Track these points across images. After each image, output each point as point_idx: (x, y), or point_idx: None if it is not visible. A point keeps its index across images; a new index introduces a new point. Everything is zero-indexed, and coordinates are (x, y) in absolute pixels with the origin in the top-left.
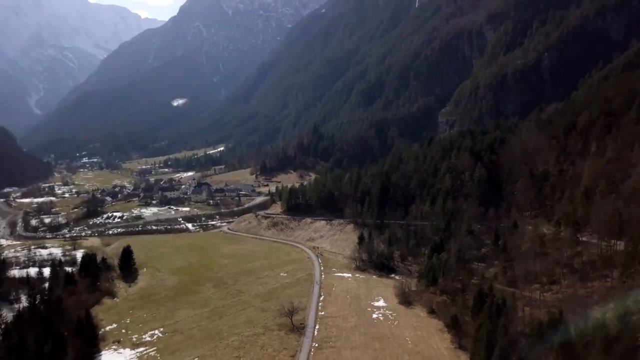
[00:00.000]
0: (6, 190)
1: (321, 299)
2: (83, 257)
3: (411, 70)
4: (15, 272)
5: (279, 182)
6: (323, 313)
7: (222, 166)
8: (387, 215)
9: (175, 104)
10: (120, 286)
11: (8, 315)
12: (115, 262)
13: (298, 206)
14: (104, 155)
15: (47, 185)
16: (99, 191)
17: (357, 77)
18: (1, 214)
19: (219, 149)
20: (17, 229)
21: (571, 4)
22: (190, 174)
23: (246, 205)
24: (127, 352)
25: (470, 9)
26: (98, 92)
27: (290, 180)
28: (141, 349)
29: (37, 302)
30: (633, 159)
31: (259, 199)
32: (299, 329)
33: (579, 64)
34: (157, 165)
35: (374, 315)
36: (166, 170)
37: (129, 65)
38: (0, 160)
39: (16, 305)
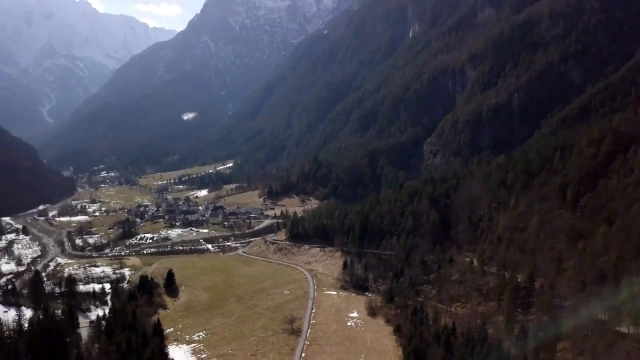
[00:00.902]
0: (41, 207)
1: (313, 311)
2: (140, 278)
3: (402, 102)
4: (82, 287)
5: (284, 205)
6: (314, 321)
7: (233, 186)
8: (366, 246)
9: (185, 117)
10: (167, 300)
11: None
12: (160, 281)
13: (298, 234)
14: (120, 169)
15: (76, 202)
16: (126, 210)
17: (355, 104)
18: (46, 232)
19: (227, 165)
20: (66, 247)
21: (539, 49)
22: (204, 192)
23: (256, 228)
24: (185, 347)
25: (456, 46)
26: (111, 105)
27: (293, 204)
28: (193, 344)
29: (117, 312)
30: (533, 214)
31: (266, 222)
32: (296, 332)
33: (543, 104)
34: (171, 181)
35: (349, 323)
36: (181, 187)
37: (140, 79)
38: (31, 178)
39: (88, 314)
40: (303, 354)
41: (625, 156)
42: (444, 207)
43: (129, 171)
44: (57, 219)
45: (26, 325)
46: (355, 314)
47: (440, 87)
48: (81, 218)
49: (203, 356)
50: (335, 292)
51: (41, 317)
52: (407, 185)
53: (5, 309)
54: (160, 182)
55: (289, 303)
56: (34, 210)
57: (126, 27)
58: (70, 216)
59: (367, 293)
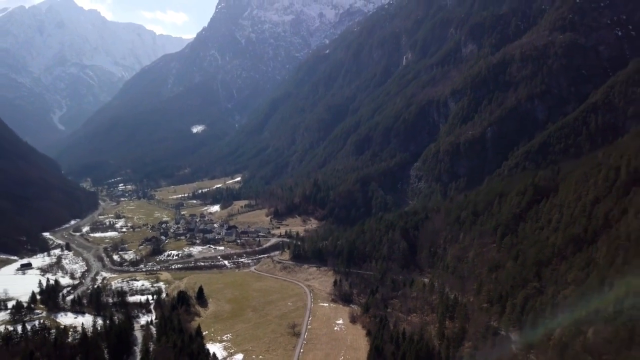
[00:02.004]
0: (72, 222)
1: (309, 319)
2: (178, 293)
3: (392, 130)
4: (129, 298)
5: (288, 225)
6: (310, 327)
7: (243, 204)
8: (352, 267)
9: (194, 130)
10: (200, 310)
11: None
12: (192, 294)
13: (299, 255)
14: (136, 182)
15: (102, 217)
16: (150, 227)
17: (352, 128)
18: (85, 248)
19: (236, 179)
20: (106, 262)
21: (510, 88)
22: (216, 207)
23: (264, 246)
24: (217, 345)
25: (441, 79)
26: (124, 118)
27: (295, 223)
28: (223, 343)
29: (164, 319)
30: (472, 248)
31: (273, 240)
32: (297, 335)
33: (512, 138)
34: (185, 195)
35: (335, 328)
36: (194, 202)
37: (150, 91)
38: (61, 194)
39: (138, 320)
40: (301, 350)
41: (538, 206)
42: (413, 237)
43: (144, 184)
44: (91, 234)
45: (99, 328)
46: (340, 321)
47: (426, 117)
48: (112, 234)
49: (232, 351)
50: (327, 304)
51: (108, 322)
52: (385, 218)
53: (75, 316)
54: (174, 196)
55: (292, 312)
56: (67, 225)
57: (134, 34)
58: (101, 232)
59: (351, 305)
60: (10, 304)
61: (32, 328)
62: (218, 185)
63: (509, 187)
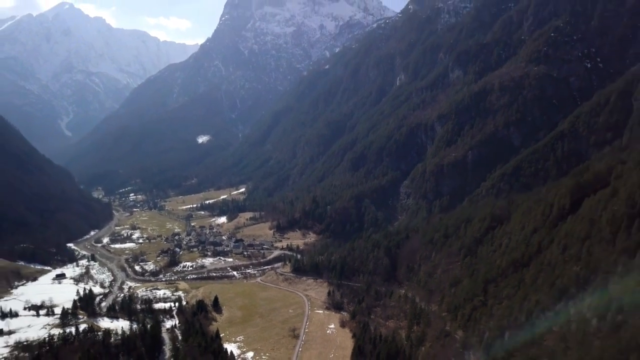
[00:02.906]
0: (92, 233)
1: (307, 324)
2: (198, 302)
3: (385, 149)
4: (155, 305)
5: (289, 238)
6: (307, 330)
7: (248, 216)
8: (344, 279)
9: (200, 140)
10: (216, 316)
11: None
12: (208, 302)
13: (299, 268)
14: (146, 192)
15: (119, 228)
16: (164, 239)
17: (348, 145)
18: (107, 259)
19: (240, 190)
20: (129, 273)
21: (489, 115)
22: (223, 219)
23: (268, 258)
24: (232, 344)
25: (430, 102)
26: (132, 127)
27: (296, 237)
28: (237, 343)
29: (187, 323)
30: (441, 265)
31: (276, 253)
32: (296, 337)
33: (490, 161)
34: (194, 206)
35: (328, 331)
36: (202, 213)
37: (156, 101)
38: (80, 206)
39: (164, 324)
40: (300, 349)
41: (494, 232)
42: (394, 254)
43: (154, 194)
44: (112, 246)
45: (135, 331)
46: (332, 326)
47: (415, 138)
48: (130, 245)
49: (244, 349)
50: (321, 311)
51: (141, 326)
52: (372, 238)
53: (110, 321)
54: (183, 207)
55: (292, 318)
56: (88, 236)
57: (138, 41)
58: (120, 243)
59: (341, 312)
60: (56, 310)
61: (83, 330)
62: (224, 196)
63: (474, 213)
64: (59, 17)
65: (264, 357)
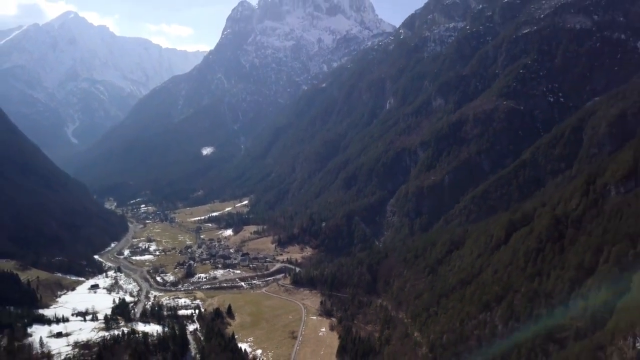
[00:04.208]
0: (113, 245)
1: (303, 328)
2: (215, 309)
3: (374, 170)
4: (179, 312)
5: (289, 252)
6: (303, 333)
7: (252, 230)
8: (334, 291)
9: (204, 152)
10: (230, 321)
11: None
12: (223, 309)
13: (297, 281)
14: (156, 204)
15: (136, 240)
16: (178, 251)
17: (342, 164)
18: (131, 270)
19: (244, 202)
20: (152, 283)
21: (464, 144)
22: (229, 231)
23: (271, 270)
24: (245, 344)
25: (414, 128)
26: (139, 139)
27: (295, 251)
28: (248, 343)
29: (207, 327)
30: (409, 281)
31: (277, 265)
32: (295, 338)
33: (463, 185)
34: (202, 219)
35: (319, 334)
36: (209, 225)
37: (161, 112)
38: (100, 220)
39: (187, 328)
40: (297, 347)
41: (451, 255)
42: (375, 270)
43: (163, 206)
44: (133, 258)
45: (167, 333)
46: (323, 329)
47: (400, 161)
48: (149, 257)
49: (254, 348)
50: (315, 317)
51: (170, 329)
52: (357, 256)
53: (144, 325)
54: (192, 219)
55: (292, 323)
56: (109, 248)
57: (141, 49)
58: (140, 255)
59: (331, 318)
60: (99, 316)
61: (128, 332)
62: (229, 208)
63: (438, 238)
64: (65, 26)
65: (269, 353)
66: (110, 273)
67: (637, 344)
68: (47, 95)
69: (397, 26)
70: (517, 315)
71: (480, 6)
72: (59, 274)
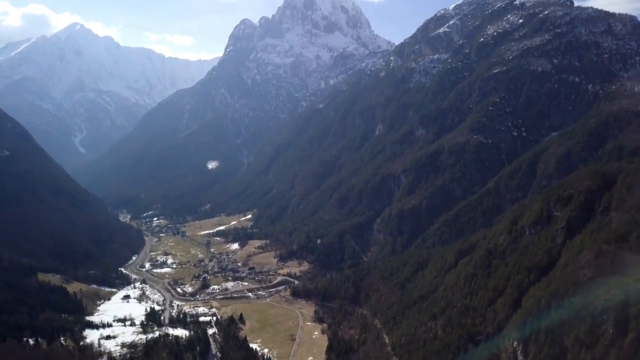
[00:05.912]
0: (134, 258)
1: (300, 331)
2: (229, 317)
3: (363, 192)
4: (200, 319)
5: (289, 266)
6: (300, 335)
7: (256, 244)
8: (325, 302)
9: (210, 166)
10: (241, 326)
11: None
12: (236, 317)
13: (296, 292)
14: (167, 217)
15: (154, 253)
16: (192, 264)
17: (336, 184)
18: (154, 282)
19: (248, 216)
20: (173, 293)
21: (439, 172)
22: (235, 245)
23: (273, 282)
24: (255, 345)
25: (399, 155)
26: (147, 153)
27: (294, 265)
28: (257, 344)
29: (224, 331)
30: (386, 294)
31: (279, 278)
32: (294, 340)
33: (438, 209)
34: (210, 233)
35: (313, 336)
36: (218, 239)
37: (168, 125)
38: (121, 235)
39: (208, 331)
40: (295, 347)
41: (417, 274)
42: (359, 285)
43: (174, 219)
44: (154, 270)
45: (193, 335)
46: (316, 333)
47: (386, 184)
48: (167, 270)
49: (262, 347)
50: (310, 323)
51: (194, 332)
52: (345, 272)
53: (172, 329)
54: (201, 233)
55: (292, 328)
56: (131, 261)
57: (144, 58)
58: (159, 268)
59: (323, 324)
60: (136, 322)
61: (163, 335)
62: (234, 222)
63: (409, 259)
64: (72, 37)
65: (274, 352)
66: (137, 284)
67: (515, 344)
68: (55, 106)
69: (391, 41)
70: (453, 324)
71: (461, 41)
72: (94, 286)
